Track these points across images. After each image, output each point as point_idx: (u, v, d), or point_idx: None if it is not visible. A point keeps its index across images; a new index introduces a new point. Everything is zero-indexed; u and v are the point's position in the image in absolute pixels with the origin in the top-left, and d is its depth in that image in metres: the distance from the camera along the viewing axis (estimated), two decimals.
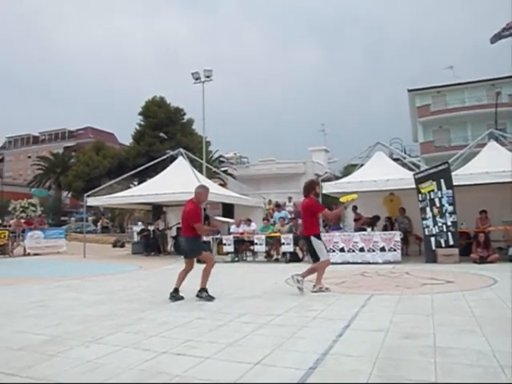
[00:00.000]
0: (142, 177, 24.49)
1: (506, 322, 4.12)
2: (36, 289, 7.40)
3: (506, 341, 3.44)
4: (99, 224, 34.85)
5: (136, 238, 19.14)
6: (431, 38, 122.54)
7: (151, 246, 16.03)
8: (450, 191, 10.23)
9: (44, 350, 3.50)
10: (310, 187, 6.46)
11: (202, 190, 6.15)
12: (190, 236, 5.92)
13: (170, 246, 16.57)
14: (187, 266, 5.99)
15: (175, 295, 5.81)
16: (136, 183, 26.31)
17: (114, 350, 3.48)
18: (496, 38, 11.38)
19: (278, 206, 15.66)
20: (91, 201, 15.79)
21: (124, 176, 18.28)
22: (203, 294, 5.82)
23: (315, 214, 6.30)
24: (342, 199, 6.73)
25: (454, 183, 10.29)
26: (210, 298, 5.77)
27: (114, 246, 22.13)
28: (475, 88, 37.46)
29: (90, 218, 35.83)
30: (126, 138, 40.90)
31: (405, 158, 16.59)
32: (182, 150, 16.64)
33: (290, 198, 18.14)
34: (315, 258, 6.24)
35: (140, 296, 6.38)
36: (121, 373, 2.92)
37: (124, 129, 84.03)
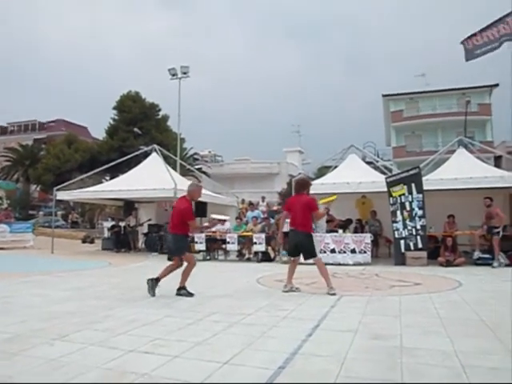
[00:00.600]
0: (115, 172, 24.11)
1: (468, 323, 4.25)
2: (1, 285, 7.16)
3: (468, 341, 3.55)
4: (69, 219, 34.07)
5: (106, 234, 18.82)
6: (416, 44, 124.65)
7: (122, 242, 15.82)
8: (420, 195, 10.47)
9: (5, 349, 3.37)
10: (306, 185, 6.49)
11: (196, 188, 6.20)
12: (178, 234, 5.91)
13: (140, 243, 16.40)
14: (175, 262, 6.01)
15: (153, 284, 5.79)
16: (108, 178, 25.84)
17: (80, 347, 3.40)
18: (470, 56, 11.55)
19: (251, 205, 15.68)
20: (61, 195, 15.40)
21: (96, 170, 17.90)
22: (182, 292, 5.89)
23: (311, 212, 6.28)
24: (321, 201, 6.77)
25: (424, 188, 10.53)
26: (189, 295, 5.85)
27: (84, 241, 21.68)
28: (446, 96, 38.58)
29: (59, 213, 34.96)
30: (99, 132, 40.09)
31: (377, 162, 16.87)
32: (155, 146, 16.45)
33: (263, 198, 18.18)
34: (311, 254, 6.21)
35: (109, 293, 6.26)
36: (86, 372, 2.85)
37: (98, 123, 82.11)
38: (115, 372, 2.85)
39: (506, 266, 9.68)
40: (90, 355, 3.21)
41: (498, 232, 9.80)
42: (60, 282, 7.56)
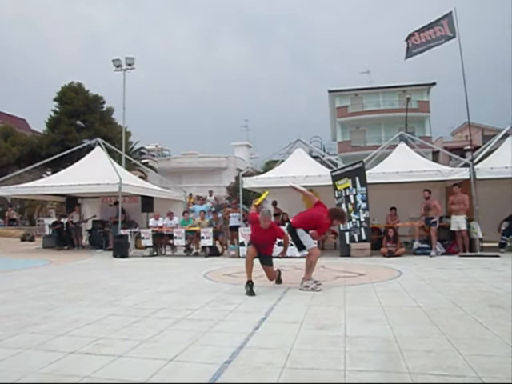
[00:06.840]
0: (56, 167, 23.06)
1: (407, 310, 4.45)
2: None
3: (406, 327, 3.71)
4: (6, 216, 32.17)
5: (48, 232, 18.01)
6: (362, 42, 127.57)
7: (64, 239, 15.20)
8: (364, 189, 10.82)
9: None
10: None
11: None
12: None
13: (84, 240, 15.84)
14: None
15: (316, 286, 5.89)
16: (49, 173, 24.67)
17: (15, 353, 3.20)
18: (409, 54, 12.06)
19: (200, 198, 15.61)
20: None
21: (36, 165, 16.96)
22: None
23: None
24: (256, 203, 6.87)
25: (368, 181, 10.89)
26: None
27: (23, 239, 20.60)
28: (389, 93, 40.11)
29: None
30: (39, 124, 37.98)
31: (323, 156, 17.26)
32: (99, 139, 15.88)
33: (210, 192, 18.08)
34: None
35: (48, 293, 5.97)
36: (21, 378, 2.69)
37: (37, 115, 78.03)
38: (54, 376, 2.72)
39: (443, 254, 10.27)
40: (26, 360, 3.04)
41: (435, 222, 10.35)
42: None
